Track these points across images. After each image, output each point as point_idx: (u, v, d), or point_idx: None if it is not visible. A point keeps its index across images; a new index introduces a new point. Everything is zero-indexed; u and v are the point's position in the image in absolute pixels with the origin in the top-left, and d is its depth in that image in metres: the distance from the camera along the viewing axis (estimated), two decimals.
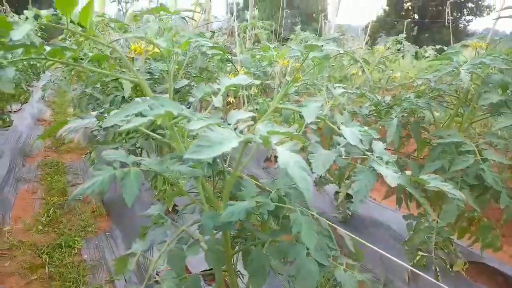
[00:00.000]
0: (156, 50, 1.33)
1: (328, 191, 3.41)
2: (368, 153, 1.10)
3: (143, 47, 1.42)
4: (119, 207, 3.27)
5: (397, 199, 2.22)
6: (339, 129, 1.11)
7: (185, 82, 1.80)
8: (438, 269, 2.01)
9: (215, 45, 1.72)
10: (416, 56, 3.90)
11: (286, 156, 0.73)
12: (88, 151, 5.13)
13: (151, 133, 1.37)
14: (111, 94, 2.72)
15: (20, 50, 0.99)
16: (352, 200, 1.09)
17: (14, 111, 6.43)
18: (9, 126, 5.37)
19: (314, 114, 1.13)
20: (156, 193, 2.84)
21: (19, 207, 3.41)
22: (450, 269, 2.12)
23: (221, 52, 1.85)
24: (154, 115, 0.79)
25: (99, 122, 1.32)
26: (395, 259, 1.21)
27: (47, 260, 2.59)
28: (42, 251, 2.69)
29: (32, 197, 3.67)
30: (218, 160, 1.38)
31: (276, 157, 0.74)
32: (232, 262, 1.48)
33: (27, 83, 6.45)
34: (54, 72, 4.76)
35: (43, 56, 1.01)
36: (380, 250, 1.24)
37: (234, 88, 1.43)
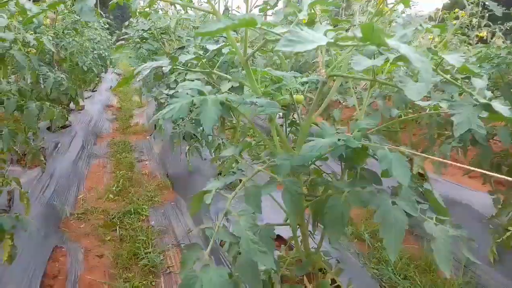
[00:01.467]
0: None
1: None
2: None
3: None
4: (183, 181, 3.33)
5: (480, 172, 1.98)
6: None
7: None
8: None
9: None
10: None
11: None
12: (150, 133, 5.35)
13: (221, 73, 1.33)
14: None
15: None
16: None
17: (86, 98, 6.88)
18: (81, 109, 5.75)
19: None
20: (219, 164, 2.85)
21: (91, 179, 3.62)
22: None
23: None
24: (238, 21, 0.73)
25: (170, 62, 1.31)
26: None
27: (118, 224, 2.71)
28: (113, 216, 2.82)
29: (103, 170, 3.88)
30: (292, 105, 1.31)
31: None
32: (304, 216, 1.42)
33: (97, 73, 6.89)
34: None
35: None
36: None
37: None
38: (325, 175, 1.49)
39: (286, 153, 1.22)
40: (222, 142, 2.70)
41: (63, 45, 4.30)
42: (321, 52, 1.24)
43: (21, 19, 2.63)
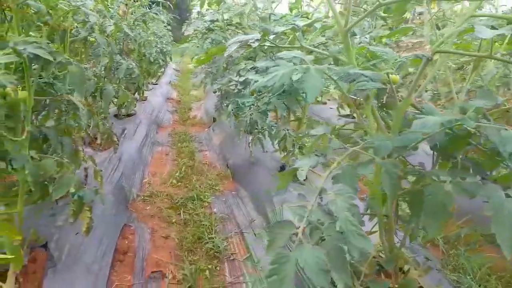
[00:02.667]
0: None
1: None
2: None
3: None
4: (244, 172, 3.32)
5: None
6: None
7: None
8: None
9: None
10: None
11: None
12: (209, 126, 5.42)
13: (313, 48, 1.26)
14: None
15: None
16: None
17: (148, 90, 7.16)
18: (144, 100, 5.98)
19: None
20: (284, 155, 2.79)
21: (155, 165, 3.73)
22: None
23: None
24: None
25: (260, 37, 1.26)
26: None
27: (182, 208, 2.74)
28: (177, 200, 2.87)
29: (165, 158, 3.98)
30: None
31: None
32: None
33: (162, 65, 7.13)
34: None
35: None
36: None
37: None
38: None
39: (384, 134, 1.13)
40: (288, 133, 2.63)
41: (133, 36, 4.48)
42: (429, 26, 1.14)
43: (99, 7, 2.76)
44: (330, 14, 3.30)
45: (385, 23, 2.24)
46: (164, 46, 7.09)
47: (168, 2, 4.72)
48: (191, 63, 10.38)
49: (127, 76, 3.65)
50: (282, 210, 2.34)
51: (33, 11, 1.66)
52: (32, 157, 1.49)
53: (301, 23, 1.29)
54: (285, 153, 2.75)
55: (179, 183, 3.24)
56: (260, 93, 2.69)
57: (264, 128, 2.84)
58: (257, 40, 1.28)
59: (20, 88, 1.47)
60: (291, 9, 2.71)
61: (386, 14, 1.84)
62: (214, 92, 4.92)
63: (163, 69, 8.71)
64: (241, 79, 2.53)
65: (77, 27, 2.26)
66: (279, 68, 0.95)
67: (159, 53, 6.24)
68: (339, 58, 1.15)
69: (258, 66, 2.50)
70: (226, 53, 1.44)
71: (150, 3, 5.77)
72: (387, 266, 1.26)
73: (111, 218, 2.35)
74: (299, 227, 1.02)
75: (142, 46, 4.89)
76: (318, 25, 1.31)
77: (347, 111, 5.31)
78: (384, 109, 1.44)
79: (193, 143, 4.52)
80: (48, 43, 1.51)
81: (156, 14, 4.93)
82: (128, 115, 4.76)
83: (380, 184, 1.28)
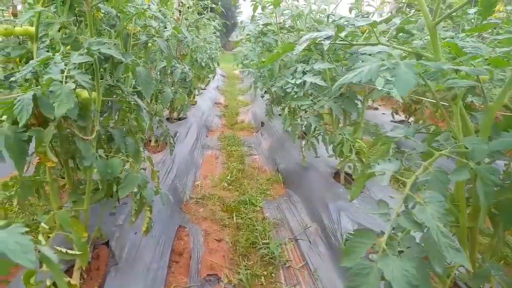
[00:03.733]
0: None
1: None
2: None
3: None
4: (295, 177, 3.25)
5: None
6: None
7: None
8: None
9: None
10: None
11: None
12: (257, 130, 5.41)
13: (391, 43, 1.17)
14: None
15: None
16: None
17: (197, 94, 7.31)
18: (194, 104, 6.10)
19: None
20: (340, 161, 2.69)
21: (205, 168, 3.76)
22: None
23: None
24: None
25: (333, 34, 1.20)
26: None
27: (234, 212, 2.72)
28: (228, 204, 2.85)
29: (215, 161, 4.01)
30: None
31: None
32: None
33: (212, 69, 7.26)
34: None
35: None
36: None
37: None
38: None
39: (474, 138, 1.02)
40: (346, 138, 2.53)
41: (186, 41, 4.58)
42: None
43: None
44: (385, 12, 3.15)
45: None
46: (213, 51, 7.22)
47: (221, 8, 4.79)
48: (237, 68, 10.52)
49: (180, 80, 3.72)
50: (339, 217, 2.24)
51: (103, 14, 1.72)
52: (100, 156, 1.52)
53: (364, 22, 1.21)
54: (341, 159, 2.64)
55: (230, 187, 3.24)
56: (316, 97, 2.62)
57: (319, 132, 2.76)
58: (328, 37, 1.21)
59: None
60: (350, 10, 2.62)
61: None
62: (262, 96, 4.91)
63: (212, 74, 8.88)
64: (298, 81, 2.48)
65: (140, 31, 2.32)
66: (365, 64, 0.88)
67: (208, 59, 6.35)
68: (422, 54, 1.06)
69: (315, 67, 2.42)
70: (295, 52, 1.39)
71: (202, 9, 5.89)
72: (474, 284, 1.13)
73: (167, 219, 2.37)
74: (380, 235, 0.94)
75: (194, 51, 4.99)
76: (397, 20, 1.22)
77: (401, 117, 5.08)
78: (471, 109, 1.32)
79: (242, 147, 4.52)
80: (115, 44, 1.56)
81: (208, 20, 5.02)
82: (179, 119, 4.87)
83: (463, 192, 1.17)
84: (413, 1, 2.44)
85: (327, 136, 2.77)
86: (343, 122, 2.83)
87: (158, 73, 3.32)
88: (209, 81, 8.35)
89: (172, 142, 2.59)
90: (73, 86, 1.18)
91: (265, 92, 4.48)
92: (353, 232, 0.94)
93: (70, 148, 1.61)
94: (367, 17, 2.42)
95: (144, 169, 2.45)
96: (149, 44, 2.63)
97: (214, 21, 5.53)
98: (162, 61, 3.21)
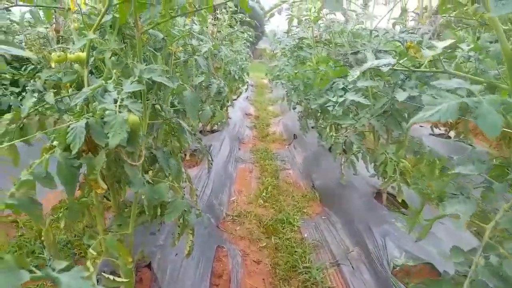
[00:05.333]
0: None
1: None
2: None
3: None
4: (332, 194, 3.16)
5: None
6: None
7: None
8: None
9: None
10: None
11: None
12: (289, 143, 5.35)
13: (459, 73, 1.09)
14: None
15: None
16: None
17: (228, 105, 7.34)
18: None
19: None
20: (384, 181, 2.58)
21: (240, 182, 3.73)
22: None
23: None
24: None
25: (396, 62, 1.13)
26: None
27: (272, 231, 2.66)
28: (265, 222, 2.80)
29: (249, 175, 3.97)
30: None
31: None
32: None
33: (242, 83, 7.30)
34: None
35: None
36: None
37: None
38: None
39: None
40: (390, 158, 2.43)
41: (220, 55, 4.60)
42: None
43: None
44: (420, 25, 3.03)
45: None
46: (244, 62, 7.24)
47: (255, 21, 4.80)
48: (266, 77, 10.51)
49: (218, 93, 3.73)
50: (385, 243, 2.14)
51: (148, 37, 1.73)
52: (147, 182, 1.51)
53: (442, 44, 1.13)
54: (385, 179, 2.54)
55: (266, 203, 3.18)
56: (357, 115, 2.53)
57: (360, 149, 2.67)
58: (389, 64, 1.15)
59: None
60: (394, 25, 2.53)
61: None
62: (294, 108, 4.85)
63: (244, 86, 8.92)
64: (340, 100, 2.40)
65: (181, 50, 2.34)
66: (442, 101, 0.81)
67: (240, 70, 6.37)
68: (497, 85, 0.98)
69: (358, 85, 2.34)
70: (349, 78, 1.34)
71: (235, 21, 5.93)
72: None
73: (206, 239, 2.35)
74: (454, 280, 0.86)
75: (227, 64, 5.01)
76: (464, 46, 1.14)
77: (441, 130, 4.88)
78: None
79: (276, 160, 4.47)
80: (166, 70, 1.55)
81: (242, 32, 5.04)
82: (212, 131, 4.88)
83: None
84: (482, 20, 2.31)
85: (367, 155, 2.68)
86: (386, 140, 2.73)
87: (194, 88, 3.34)
88: (240, 92, 8.38)
89: (210, 159, 2.57)
90: (126, 115, 1.17)
91: (296, 103, 4.43)
92: (425, 281, 0.86)
93: (116, 172, 1.61)
94: (413, 32, 2.32)
95: (184, 187, 2.45)
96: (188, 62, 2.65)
97: (246, 33, 5.55)
98: (199, 76, 3.22)
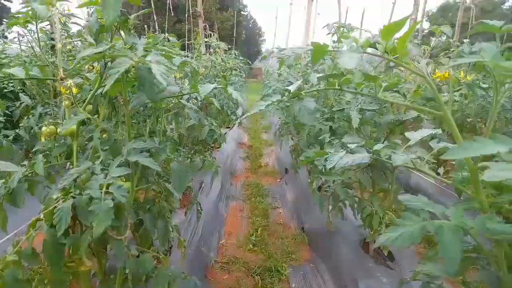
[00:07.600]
0: None
1: None
2: None
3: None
4: (321, 240, 3.18)
5: None
6: None
7: None
8: None
9: None
10: None
11: None
12: (281, 177, 5.37)
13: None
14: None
15: None
16: None
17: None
18: (219, 147, 6.17)
19: None
20: (370, 234, 2.61)
21: (230, 223, 3.74)
22: None
23: None
24: None
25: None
26: None
27: (260, 282, 2.67)
28: (254, 271, 2.80)
29: (239, 214, 3.99)
30: None
31: None
32: None
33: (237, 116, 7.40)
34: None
35: None
36: None
37: None
38: None
39: None
40: (375, 210, 2.47)
41: (214, 93, 4.69)
42: None
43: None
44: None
45: None
46: (238, 88, 7.34)
47: (246, 46, 4.92)
48: (259, 100, 10.62)
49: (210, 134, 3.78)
50: None
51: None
52: (131, 255, 1.53)
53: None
54: (371, 232, 2.57)
55: (255, 248, 3.19)
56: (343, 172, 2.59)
57: (347, 200, 2.71)
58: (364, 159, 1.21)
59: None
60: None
61: None
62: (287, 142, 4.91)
63: (238, 120, 9.03)
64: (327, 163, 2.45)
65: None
66: (408, 223, 0.85)
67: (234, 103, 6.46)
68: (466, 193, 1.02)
69: (345, 142, 2.40)
70: (328, 165, 1.39)
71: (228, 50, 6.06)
72: None
73: None
74: None
75: (220, 100, 5.09)
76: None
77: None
78: None
79: (267, 197, 4.49)
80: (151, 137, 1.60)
81: (235, 70, 5.14)
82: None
83: None
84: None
85: (355, 203, 2.72)
86: (372, 191, 2.77)
87: (186, 130, 3.39)
88: (234, 124, 8.46)
89: (200, 209, 2.60)
90: (112, 204, 1.21)
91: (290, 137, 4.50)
92: None
93: (102, 239, 1.63)
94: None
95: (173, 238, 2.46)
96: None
97: (240, 73, 5.67)
98: (189, 119, 3.28)
